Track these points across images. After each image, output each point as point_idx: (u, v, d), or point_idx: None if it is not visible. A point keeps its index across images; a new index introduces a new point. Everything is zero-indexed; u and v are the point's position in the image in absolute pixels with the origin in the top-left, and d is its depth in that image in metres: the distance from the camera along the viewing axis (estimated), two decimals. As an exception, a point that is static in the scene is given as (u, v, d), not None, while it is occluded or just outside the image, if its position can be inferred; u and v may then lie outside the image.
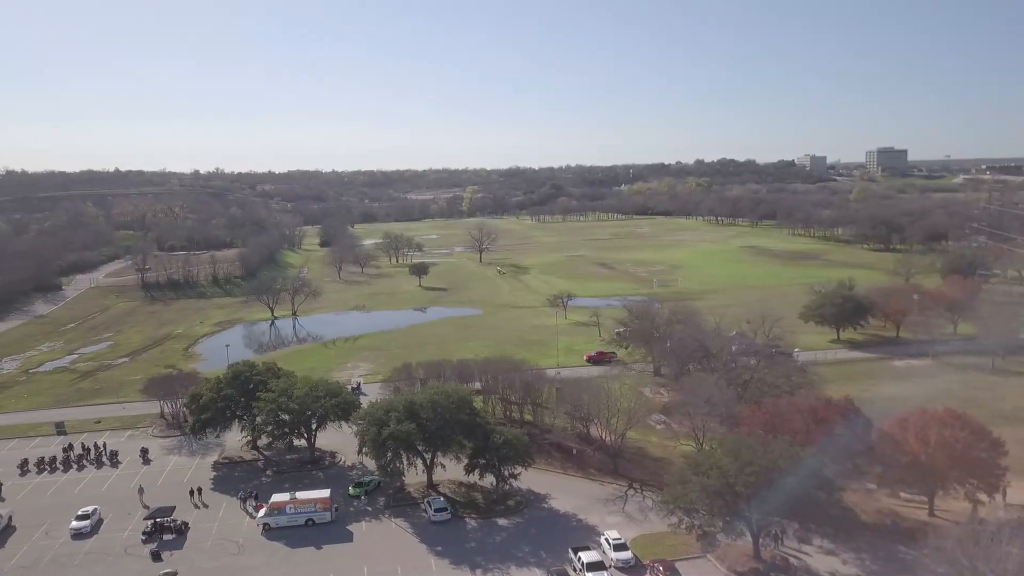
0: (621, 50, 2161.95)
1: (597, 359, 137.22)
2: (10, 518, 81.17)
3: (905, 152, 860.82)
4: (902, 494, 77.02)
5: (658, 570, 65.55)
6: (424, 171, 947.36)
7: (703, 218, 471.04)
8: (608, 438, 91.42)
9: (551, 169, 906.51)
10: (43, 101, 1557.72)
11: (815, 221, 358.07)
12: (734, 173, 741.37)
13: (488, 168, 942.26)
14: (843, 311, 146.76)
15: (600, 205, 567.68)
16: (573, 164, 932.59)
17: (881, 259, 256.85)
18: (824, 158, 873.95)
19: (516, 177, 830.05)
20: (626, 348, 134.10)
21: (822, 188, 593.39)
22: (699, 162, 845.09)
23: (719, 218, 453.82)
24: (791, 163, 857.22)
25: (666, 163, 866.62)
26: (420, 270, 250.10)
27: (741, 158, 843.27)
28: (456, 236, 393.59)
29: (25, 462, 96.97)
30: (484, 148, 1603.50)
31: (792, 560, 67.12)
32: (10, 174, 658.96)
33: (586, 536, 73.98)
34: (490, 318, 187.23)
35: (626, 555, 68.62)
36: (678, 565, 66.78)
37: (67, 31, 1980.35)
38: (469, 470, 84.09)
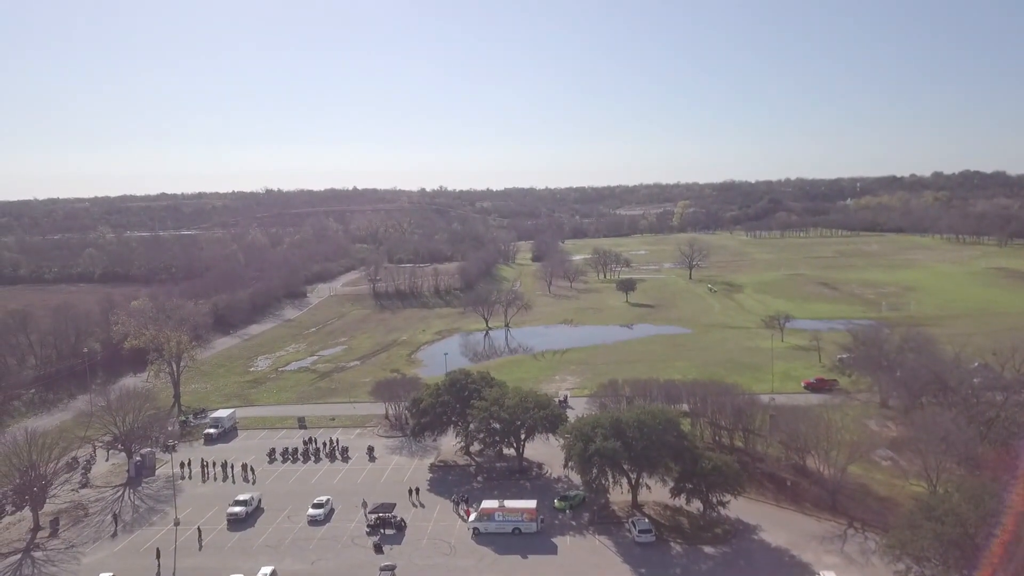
0: (847, 46, 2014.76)
1: (816, 386, 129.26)
2: (259, 500, 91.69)
3: None
4: None
5: (881, 620, 60.55)
6: (635, 186, 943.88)
7: (942, 236, 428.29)
8: (827, 471, 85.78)
9: (768, 182, 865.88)
10: (295, 127, 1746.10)
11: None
12: (979, 186, 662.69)
13: (701, 182, 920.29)
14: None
15: (823, 220, 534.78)
16: (793, 177, 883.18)
17: None
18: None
19: (730, 191, 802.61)
20: (850, 376, 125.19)
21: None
22: (937, 174, 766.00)
23: (960, 236, 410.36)
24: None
25: (898, 175, 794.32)
26: (627, 286, 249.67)
27: (988, 169, 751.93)
28: (665, 252, 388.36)
29: (273, 451, 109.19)
30: (697, 162, 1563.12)
31: (1046, 628, 59.09)
32: (269, 192, 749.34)
33: (799, 575, 70.00)
34: (699, 338, 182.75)
35: (844, 600, 64.12)
36: (904, 618, 61.25)
37: (311, 63, 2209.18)
38: (675, 493, 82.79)
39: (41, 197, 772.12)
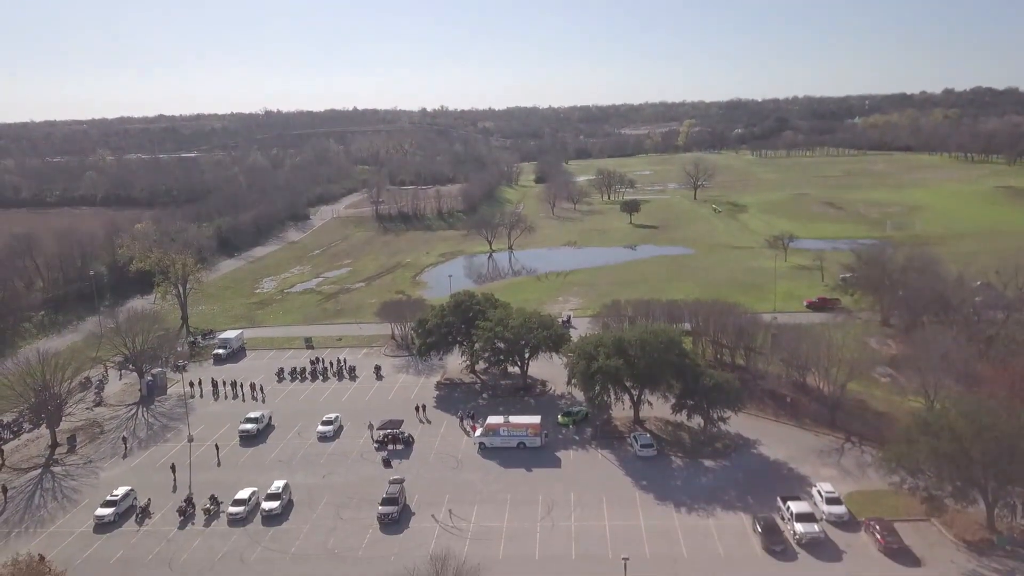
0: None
1: (819, 306, 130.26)
2: (270, 418, 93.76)
3: None
4: None
5: (875, 529, 62.62)
6: (640, 105, 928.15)
7: (950, 155, 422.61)
8: (826, 388, 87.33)
9: (776, 101, 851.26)
10: (293, 50, 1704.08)
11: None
12: (991, 103, 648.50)
13: (707, 101, 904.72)
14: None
15: (830, 140, 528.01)
16: (801, 95, 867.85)
17: None
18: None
19: (737, 110, 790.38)
20: (852, 295, 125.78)
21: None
22: (947, 91, 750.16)
23: (969, 155, 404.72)
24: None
25: (908, 93, 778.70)
26: (631, 207, 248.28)
27: (1000, 85, 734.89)
28: (670, 172, 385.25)
29: (281, 371, 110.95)
30: (703, 80, 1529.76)
31: (1033, 535, 61.23)
32: (268, 114, 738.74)
33: (797, 486, 72.10)
34: (703, 258, 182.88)
35: (839, 509, 66.14)
36: (897, 526, 63.28)
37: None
38: (676, 410, 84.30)
39: (38, 119, 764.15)
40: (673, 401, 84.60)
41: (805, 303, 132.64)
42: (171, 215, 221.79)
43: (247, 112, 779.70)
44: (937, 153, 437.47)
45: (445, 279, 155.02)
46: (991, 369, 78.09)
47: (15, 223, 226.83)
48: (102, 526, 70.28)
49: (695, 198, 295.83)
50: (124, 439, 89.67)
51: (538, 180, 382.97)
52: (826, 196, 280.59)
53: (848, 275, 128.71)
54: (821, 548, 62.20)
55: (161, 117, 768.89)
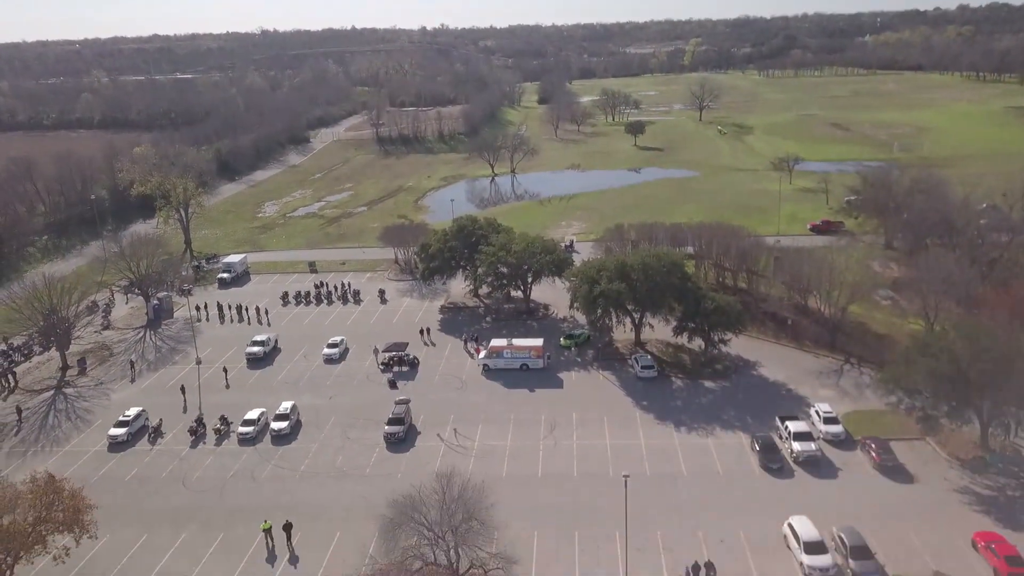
0: None
1: (822, 229, 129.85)
2: (276, 341, 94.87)
3: None
4: None
5: (871, 447, 64.07)
6: (645, 23, 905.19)
7: (962, 74, 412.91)
8: (827, 311, 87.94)
9: (784, 18, 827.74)
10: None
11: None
12: (1007, 20, 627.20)
13: (714, 18, 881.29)
14: None
15: (839, 58, 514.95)
16: (811, 12, 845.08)
17: None
18: None
19: (744, 28, 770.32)
20: (856, 218, 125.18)
21: None
22: (962, 7, 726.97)
23: (981, 74, 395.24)
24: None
25: (921, 9, 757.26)
26: (636, 129, 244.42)
27: (1017, 1, 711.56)
28: (676, 92, 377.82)
29: (286, 295, 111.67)
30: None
31: (1025, 453, 62.69)
32: (265, 33, 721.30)
33: (795, 407, 73.39)
34: (707, 181, 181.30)
35: (836, 429, 67.51)
36: (893, 445, 64.75)
37: None
38: (677, 332, 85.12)
39: (30, 40, 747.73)
40: (674, 324, 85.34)
41: (809, 226, 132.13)
42: (169, 138, 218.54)
43: (243, 32, 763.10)
44: (948, 72, 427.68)
45: (447, 203, 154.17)
46: (992, 292, 78.26)
47: (12, 147, 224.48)
48: (116, 445, 72.15)
49: (700, 119, 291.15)
50: (132, 362, 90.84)
51: (541, 101, 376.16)
52: (833, 117, 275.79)
53: (853, 198, 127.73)
54: (817, 465, 63.77)
55: (155, 37, 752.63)
